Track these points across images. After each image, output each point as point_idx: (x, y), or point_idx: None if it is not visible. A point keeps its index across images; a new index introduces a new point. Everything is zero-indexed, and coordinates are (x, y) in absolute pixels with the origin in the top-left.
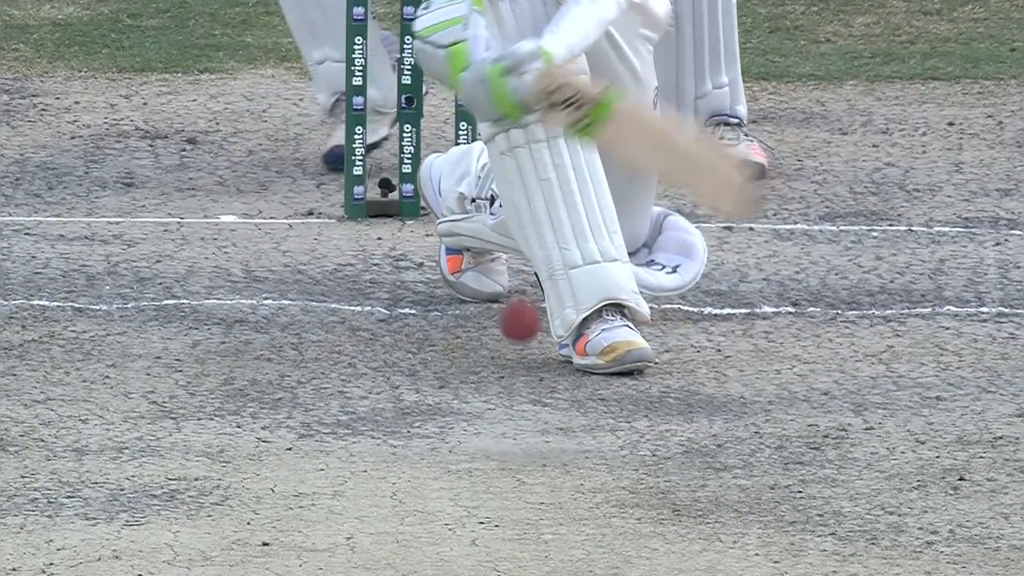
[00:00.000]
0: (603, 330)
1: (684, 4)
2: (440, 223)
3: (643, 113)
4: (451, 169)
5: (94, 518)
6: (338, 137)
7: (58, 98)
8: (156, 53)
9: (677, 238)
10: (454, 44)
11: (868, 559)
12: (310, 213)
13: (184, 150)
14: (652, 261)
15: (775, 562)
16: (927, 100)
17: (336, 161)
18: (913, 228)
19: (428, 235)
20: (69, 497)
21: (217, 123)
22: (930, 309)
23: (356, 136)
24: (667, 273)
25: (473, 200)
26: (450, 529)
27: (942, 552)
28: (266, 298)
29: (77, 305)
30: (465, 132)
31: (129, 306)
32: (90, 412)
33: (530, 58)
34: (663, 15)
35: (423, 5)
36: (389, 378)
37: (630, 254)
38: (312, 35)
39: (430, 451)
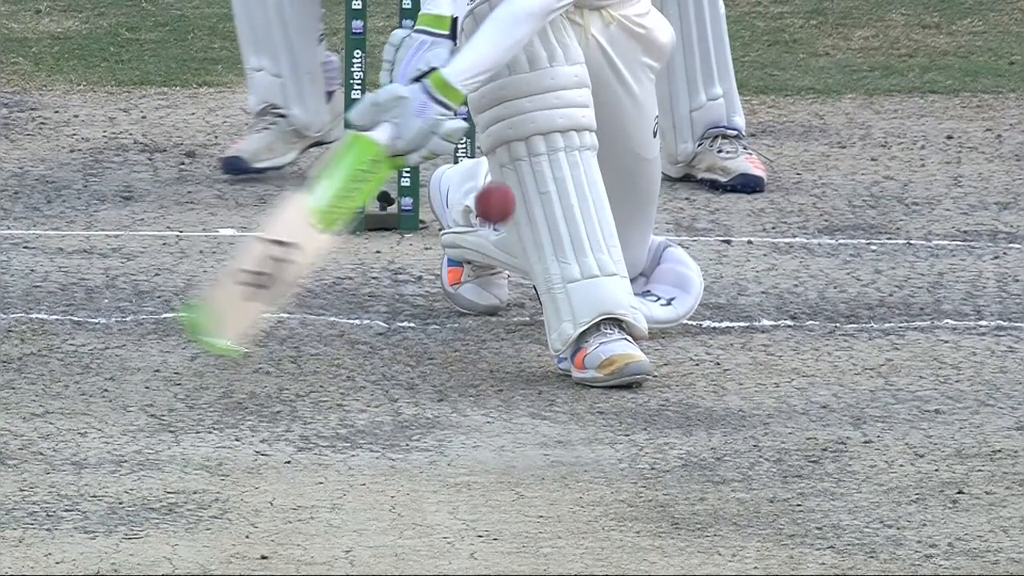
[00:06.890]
0: (601, 343)
1: (672, 15)
2: (444, 234)
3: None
4: (460, 181)
5: (93, 532)
6: (242, 148)
7: (57, 111)
8: (155, 67)
9: (675, 271)
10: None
11: (867, 572)
12: None
13: (183, 163)
14: (648, 292)
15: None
16: (926, 113)
17: (232, 169)
18: (912, 241)
19: (427, 248)
20: (68, 510)
21: (216, 136)
22: (929, 322)
23: None
24: (661, 305)
25: None
26: (449, 543)
27: (941, 565)
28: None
29: (76, 318)
30: (464, 146)
31: (128, 319)
32: (89, 425)
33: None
34: (666, 44)
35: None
36: (388, 391)
37: None
38: (254, 42)
39: (429, 464)
